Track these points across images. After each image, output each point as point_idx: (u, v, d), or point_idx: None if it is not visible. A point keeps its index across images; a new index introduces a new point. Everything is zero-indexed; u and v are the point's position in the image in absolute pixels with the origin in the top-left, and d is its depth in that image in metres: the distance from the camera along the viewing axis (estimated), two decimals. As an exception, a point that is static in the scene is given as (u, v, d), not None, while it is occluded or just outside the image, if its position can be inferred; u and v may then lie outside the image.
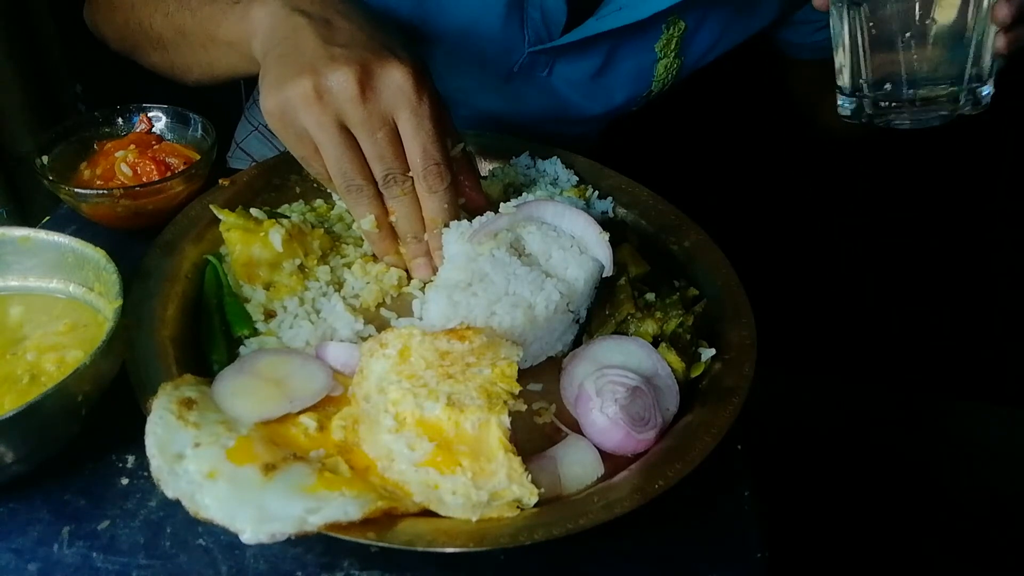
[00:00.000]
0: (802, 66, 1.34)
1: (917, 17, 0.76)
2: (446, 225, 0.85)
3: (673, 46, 1.17)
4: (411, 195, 0.84)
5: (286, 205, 0.99)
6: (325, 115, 0.77)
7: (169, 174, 0.96)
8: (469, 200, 0.92)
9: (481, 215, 0.85)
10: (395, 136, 0.79)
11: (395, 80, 0.77)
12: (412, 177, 0.82)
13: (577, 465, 0.72)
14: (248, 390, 0.71)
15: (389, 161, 0.80)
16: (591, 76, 1.18)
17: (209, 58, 0.97)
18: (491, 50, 1.13)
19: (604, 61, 1.16)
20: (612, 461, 0.73)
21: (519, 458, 0.67)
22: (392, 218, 0.86)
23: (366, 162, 0.81)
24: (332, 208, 1.00)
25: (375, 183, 0.83)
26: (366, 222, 0.86)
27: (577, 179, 1.05)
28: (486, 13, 1.08)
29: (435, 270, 0.88)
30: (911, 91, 0.79)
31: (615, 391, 0.74)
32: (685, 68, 1.22)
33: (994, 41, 0.78)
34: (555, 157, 1.07)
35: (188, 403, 0.67)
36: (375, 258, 0.93)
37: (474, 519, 0.63)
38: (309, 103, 0.77)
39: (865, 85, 0.81)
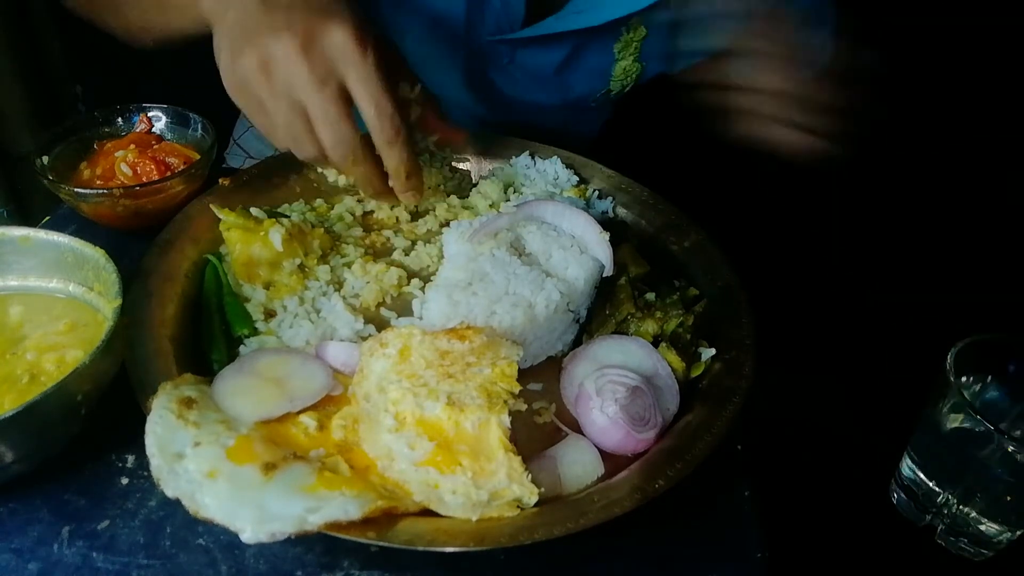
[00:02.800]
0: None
1: None
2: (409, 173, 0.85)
3: (632, 49, 1.17)
4: (364, 162, 0.82)
5: (286, 205, 0.99)
6: (273, 85, 0.77)
7: (169, 174, 0.96)
8: (441, 135, 0.91)
9: (455, 144, 0.84)
10: (341, 94, 0.78)
11: (336, 39, 0.77)
12: (358, 145, 0.81)
13: (577, 465, 0.72)
14: (248, 389, 0.71)
15: (334, 125, 0.78)
16: (552, 70, 1.18)
17: (164, 19, 0.95)
18: (453, 28, 1.12)
19: (565, 58, 1.16)
20: (612, 461, 0.73)
21: (519, 458, 0.67)
22: (347, 179, 0.83)
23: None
24: (332, 208, 1.00)
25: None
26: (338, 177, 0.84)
27: (577, 179, 1.05)
28: None
29: (420, 193, 0.87)
30: None
31: (615, 391, 0.74)
32: (647, 72, 1.22)
33: None
34: (555, 157, 1.07)
35: (188, 402, 0.67)
36: (375, 258, 0.93)
37: (474, 519, 0.63)
38: (257, 75, 0.76)
39: None
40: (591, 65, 1.19)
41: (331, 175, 1.02)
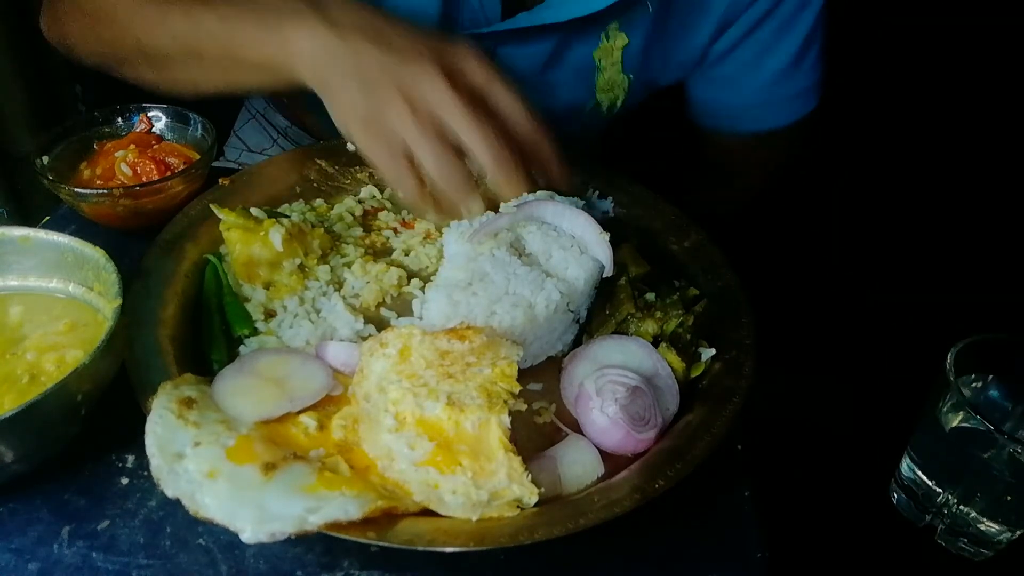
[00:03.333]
0: (717, 138, 1.34)
1: None
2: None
3: (615, 59, 1.16)
4: (526, 178, 0.83)
5: (286, 205, 0.99)
6: (423, 125, 0.77)
7: (169, 174, 0.96)
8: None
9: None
10: (488, 110, 0.80)
11: (472, 64, 0.79)
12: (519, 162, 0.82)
13: (577, 465, 0.72)
14: (248, 389, 0.71)
15: (495, 142, 0.79)
16: (534, 71, 1.16)
17: (228, 78, 0.91)
18: (429, 21, 1.10)
19: (546, 59, 1.15)
20: (612, 461, 0.73)
21: (519, 458, 0.66)
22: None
23: (463, 159, 0.80)
24: (332, 208, 1.00)
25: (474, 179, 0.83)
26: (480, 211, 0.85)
27: (576, 180, 1.05)
28: None
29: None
30: None
31: (615, 391, 0.74)
32: (637, 86, 1.21)
33: None
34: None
35: (188, 402, 0.67)
36: (375, 258, 0.93)
37: (474, 519, 0.63)
38: (406, 118, 0.76)
39: None
40: (573, 70, 1.17)
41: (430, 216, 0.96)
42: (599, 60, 1.16)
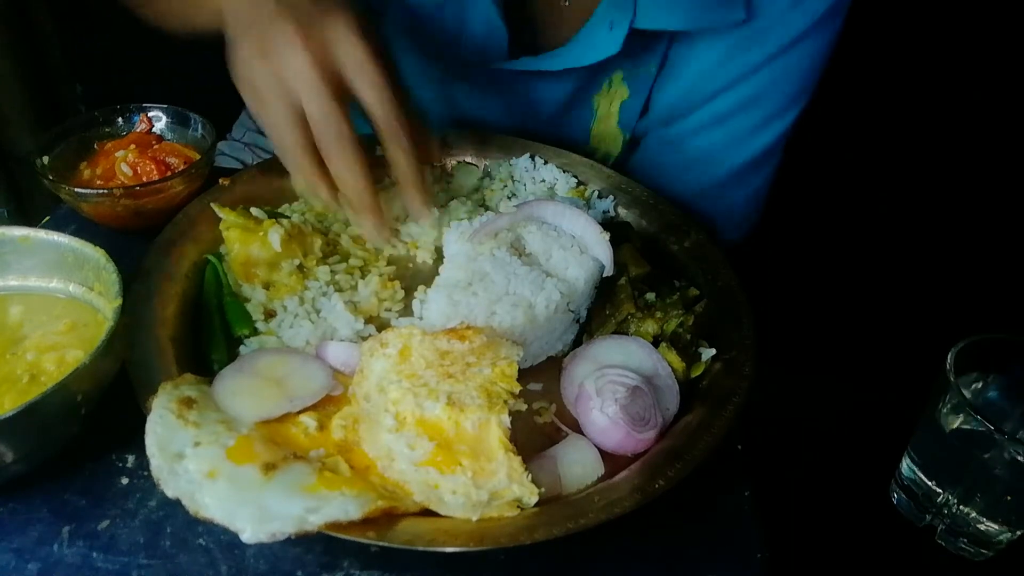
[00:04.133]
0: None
1: None
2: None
3: (613, 109, 1.16)
4: (357, 160, 0.80)
5: (286, 205, 0.99)
6: (272, 71, 0.77)
7: (169, 174, 0.96)
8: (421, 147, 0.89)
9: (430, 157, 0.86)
10: (338, 86, 0.78)
11: (337, 28, 0.77)
12: (355, 138, 0.79)
13: (577, 465, 0.72)
14: (248, 389, 0.71)
15: (329, 116, 0.77)
16: (536, 108, 1.18)
17: (183, 12, 0.96)
18: (433, 47, 1.13)
19: (547, 98, 1.16)
20: (612, 461, 0.73)
21: (519, 458, 0.67)
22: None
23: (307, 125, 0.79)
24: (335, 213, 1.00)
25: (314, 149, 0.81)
26: (303, 185, 0.84)
27: (576, 181, 1.05)
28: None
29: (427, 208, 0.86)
30: None
31: (615, 391, 0.74)
32: (632, 145, 1.21)
33: None
34: (552, 164, 1.07)
35: (188, 402, 0.67)
36: (375, 258, 0.92)
37: (474, 519, 0.63)
38: (257, 61, 0.77)
39: None
40: (572, 111, 1.18)
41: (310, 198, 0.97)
42: (596, 105, 1.17)
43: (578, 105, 1.17)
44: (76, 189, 0.92)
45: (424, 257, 0.95)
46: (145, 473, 0.69)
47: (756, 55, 1.06)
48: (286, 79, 0.77)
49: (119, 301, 0.73)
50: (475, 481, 0.65)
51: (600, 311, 0.85)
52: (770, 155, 1.16)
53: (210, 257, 0.88)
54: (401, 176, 0.85)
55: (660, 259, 0.93)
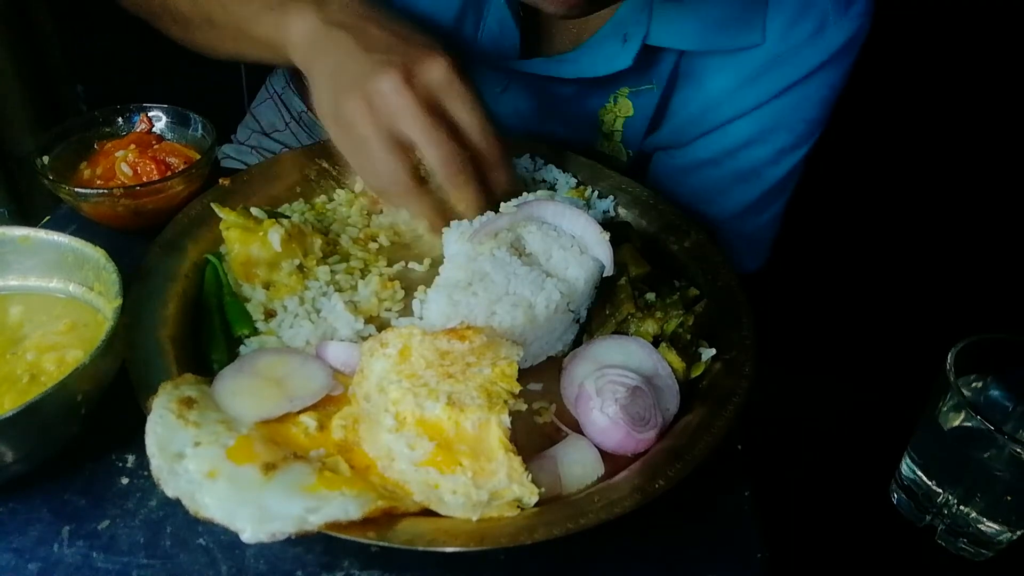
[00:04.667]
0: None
1: None
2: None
3: (617, 126, 1.16)
4: (472, 181, 0.85)
5: (286, 205, 0.99)
6: (378, 120, 0.81)
7: (169, 174, 0.96)
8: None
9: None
10: (444, 122, 0.82)
11: (437, 71, 0.81)
12: (468, 160, 0.83)
13: (577, 465, 0.72)
14: (248, 389, 0.71)
15: (442, 142, 0.81)
16: (542, 111, 1.18)
17: (238, 48, 1.00)
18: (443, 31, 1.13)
19: (554, 103, 1.16)
20: (612, 461, 0.73)
21: (519, 458, 0.66)
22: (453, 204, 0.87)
23: (414, 164, 0.83)
24: (331, 200, 1.01)
25: (424, 181, 0.85)
26: (424, 223, 0.89)
27: (576, 181, 1.05)
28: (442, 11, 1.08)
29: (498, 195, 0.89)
30: None
31: (615, 391, 0.74)
32: (635, 162, 1.21)
33: None
34: (552, 165, 1.07)
35: (188, 402, 0.67)
36: (376, 258, 0.92)
37: (474, 519, 0.63)
38: (363, 115, 0.81)
39: None
40: (577, 120, 1.18)
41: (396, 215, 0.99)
42: (601, 120, 1.17)
43: (584, 118, 1.17)
44: (76, 189, 0.92)
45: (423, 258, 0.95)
46: (145, 473, 0.69)
47: (772, 84, 1.05)
48: (394, 123, 0.81)
49: (119, 301, 0.73)
50: (475, 481, 0.65)
51: (600, 311, 0.85)
52: (783, 187, 1.16)
53: (210, 257, 0.88)
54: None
55: (660, 259, 0.93)
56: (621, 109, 1.14)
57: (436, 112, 0.81)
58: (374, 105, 0.80)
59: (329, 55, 0.85)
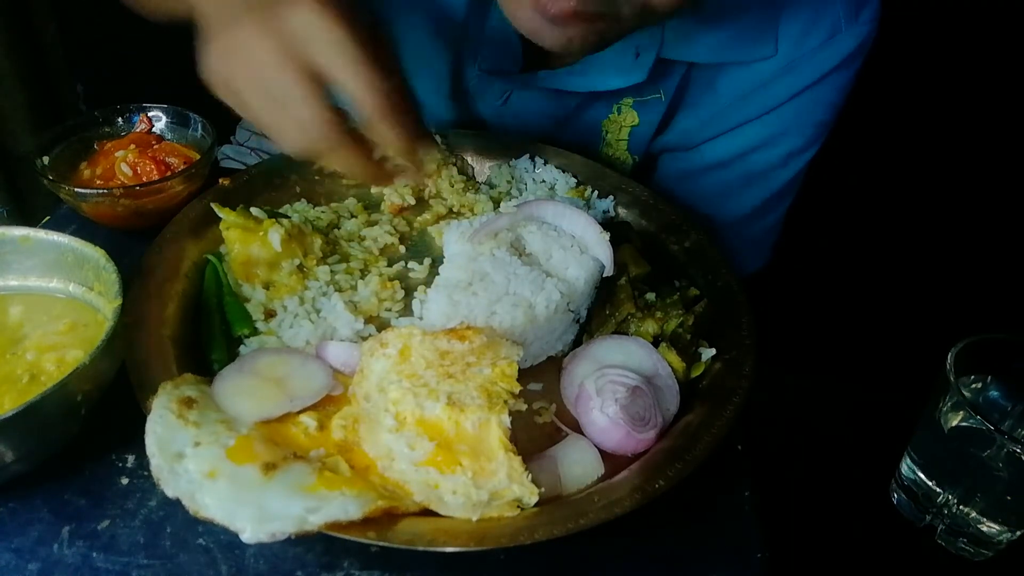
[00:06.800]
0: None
1: None
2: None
3: (622, 135, 1.15)
4: (341, 144, 0.71)
5: (287, 205, 0.99)
6: (241, 71, 0.71)
7: (169, 174, 0.96)
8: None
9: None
10: (306, 73, 0.69)
11: (300, 16, 0.69)
12: (330, 124, 0.71)
13: (577, 465, 0.72)
14: (248, 389, 0.71)
15: (298, 105, 0.69)
16: (544, 123, 1.16)
17: (165, 3, 0.90)
18: (444, 62, 1.11)
19: (557, 114, 1.15)
20: (612, 461, 0.73)
21: (519, 458, 0.66)
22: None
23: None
24: (333, 207, 1.00)
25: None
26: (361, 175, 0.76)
27: (576, 181, 1.05)
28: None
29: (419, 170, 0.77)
30: None
31: (615, 391, 0.74)
32: (641, 169, 1.21)
33: None
34: (552, 165, 1.07)
35: (188, 402, 0.67)
36: (375, 257, 0.92)
37: (474, 518, 0.63)
38: (224, 64, 0.71)
39: None
40: (579, 131, 1.17)
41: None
42: (605, 131, 1.16)
43: (587, 129, 1.16)
44: (76, 189, 0.92)
45: (423, 258, 0.95)
46: (145, 473, 0.69)
47: (783, 89, 1.05)
48: (256, 76, 0.70)
49: (119, 301, 0.73)
50: (475, 481, 0.65)
51: (600, 311, 0.85)
52: (789, 190, 1.16)
53: (210, 257, 0.88)
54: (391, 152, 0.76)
55: (660, 259, 0.94)
56: (626, 119, 1.14)
57: (294, 60, 0.69)
58: (231, 55, 0.71)
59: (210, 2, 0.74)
